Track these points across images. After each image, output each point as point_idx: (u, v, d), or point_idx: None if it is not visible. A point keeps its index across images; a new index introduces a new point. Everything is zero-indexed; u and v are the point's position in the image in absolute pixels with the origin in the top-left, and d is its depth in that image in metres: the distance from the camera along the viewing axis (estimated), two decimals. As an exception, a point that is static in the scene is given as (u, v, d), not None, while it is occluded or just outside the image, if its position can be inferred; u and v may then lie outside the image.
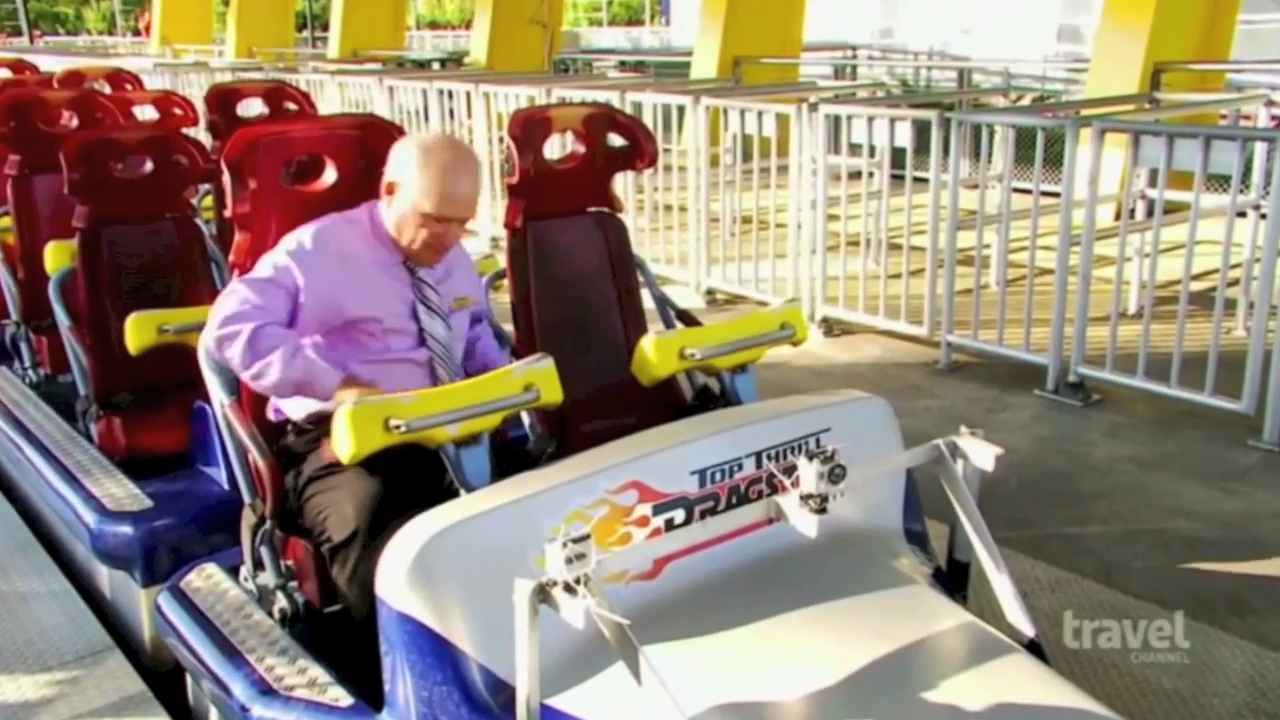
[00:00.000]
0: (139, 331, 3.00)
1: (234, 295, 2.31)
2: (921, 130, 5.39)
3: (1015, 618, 1.98)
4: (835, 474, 1.70)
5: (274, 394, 2.38)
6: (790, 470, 1.74)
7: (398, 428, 2.02)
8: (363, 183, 2.61)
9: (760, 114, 5.97)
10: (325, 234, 2.39)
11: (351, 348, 2.40)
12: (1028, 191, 5.30)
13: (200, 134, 4.92)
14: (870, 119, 5.66)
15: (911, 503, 2.30)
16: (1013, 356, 5.14)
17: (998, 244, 5.50)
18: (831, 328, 5.84)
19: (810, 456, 1.70)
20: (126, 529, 3.00)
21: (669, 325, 3.27)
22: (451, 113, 8.37)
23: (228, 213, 2.55)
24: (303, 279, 2.32)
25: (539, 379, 2.20)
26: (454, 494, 2.11)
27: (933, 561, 2.26)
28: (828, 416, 2.20)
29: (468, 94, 7.91)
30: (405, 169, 2.35)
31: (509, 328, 3.07)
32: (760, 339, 2.49)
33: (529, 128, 2.98)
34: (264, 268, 2.36)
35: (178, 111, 5.10)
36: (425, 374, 2.46)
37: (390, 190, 2.38)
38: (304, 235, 2.39)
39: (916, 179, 5.46)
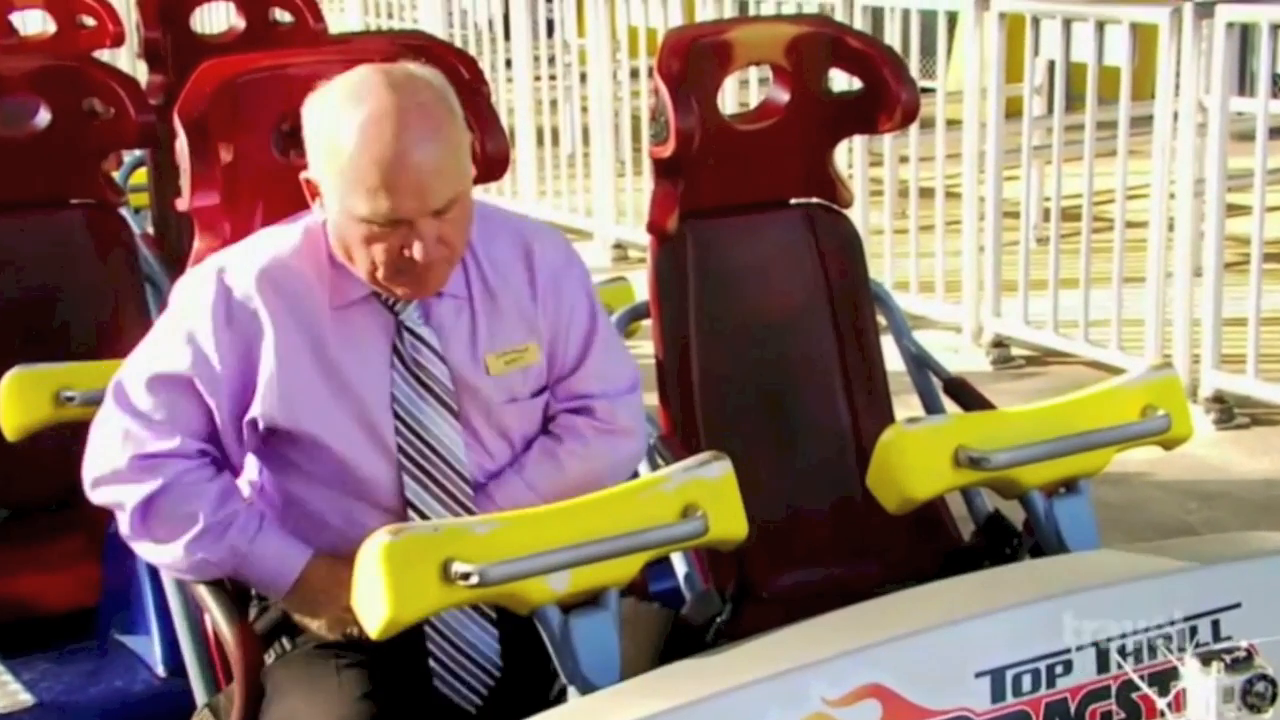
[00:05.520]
0: (23, 400, 3.13)
1: (109, 423, 2.47)
2: None
3: None
4: (1256, 692, 1.69)
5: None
6: (1166, 679, 1.73)
7: (466, 577, 2.07)
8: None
9: (1101, 25, 5.95)
10: (243, 278, 2.46)
11: (286, 467, 2.51)
12: None
13: (127, 62, 5.17)
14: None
15: None
16: None
17: None
18: (1231, 411, 5.72)
19: (1206, 658, 1.69)
20: (-13, 746, 3.13)
21: (931, 406, 3.29)
22: (549, 27, 8.56)
23: (182, 202, 2.68)
24: (220, 364, 2.43)
25: (708, 496, 2.23)
26: (559, 695, 2.17)
27: None
28: (1234, 582, 2.18)
29: (577, -7, 8.19)
30: (317, 150, 2.39)
31: (651, 400, 3.11)
32: (1105, 435, 2.48)
33: (694, 60, 3.04)
34: (155, 353, 2.48)
35: (89, 21, 5.35)
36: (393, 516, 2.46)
37: (312, 193, 2.44)
38: (207, 286, 2.47)
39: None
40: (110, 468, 2.45)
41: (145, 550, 2.49)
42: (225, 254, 2.52)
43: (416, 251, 2.34)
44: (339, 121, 2.33)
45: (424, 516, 2.44)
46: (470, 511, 2.47)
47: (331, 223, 2.42)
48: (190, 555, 2.42)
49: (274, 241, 2.50)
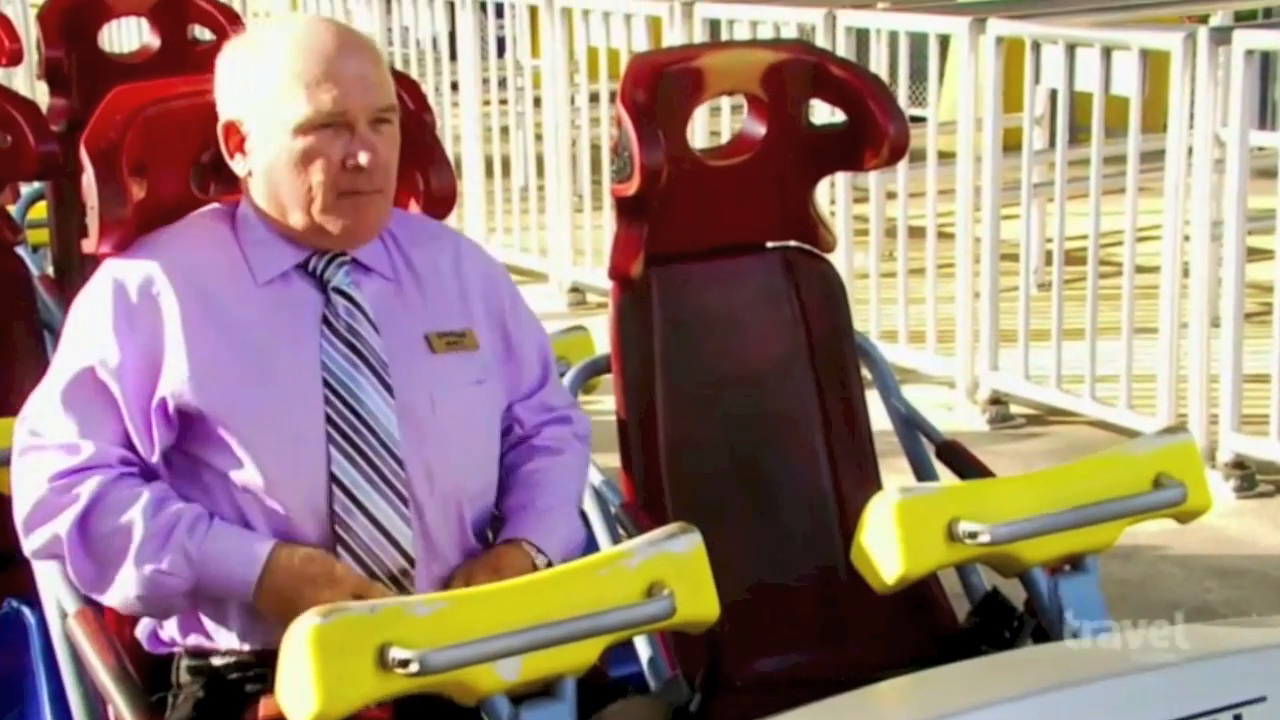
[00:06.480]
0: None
1: (24, 462, 2.48)
2: None
3: None
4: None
5: (154, 613, 2.52)
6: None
7: (405, 664, 2.05)
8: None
9: (1108, 51, 5.97)
10: (140, 271, 2.52)
11: (199, 478, 2.51)
12: None
13: (24, 83, 5.14)
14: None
15: None
16: None
17: None
18: (1253, 478, 5.71)
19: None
20: None
21: (922, 472, 3.30)
22: (500, 46, 8.54)
23: (89, 244, 2.65)
24: (120, 351, 2.48)
25: (675, 573, 2.24)
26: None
27: None
28: (1259, 672, 2.17)
29: (531, 8, 8.14)
30: (243, 82, 2.52)
31: (612, 463, 3.13)
32: (1114, 508, 2.49)
33: (661, 89, 3.05)
34: (54, 375, 2.53)
35: (-17, 38, 5.33)
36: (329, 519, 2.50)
37: (234, 143, 2.55)
38: (101, 288, 2.54)
39: None
40: (34, 501, 2.45)
41: (98, 587, 2.46)
42: (114, 261, 2.58)
43: (362, 158, 2.46)
44: (270, 40, 2.51)
45: (350, 496, 2.47)
46: (402, 497, 2.50)
47: (262, 170, 2.51)
48: (142, 570, 2.39)
49: (168, 239, 2.60)
